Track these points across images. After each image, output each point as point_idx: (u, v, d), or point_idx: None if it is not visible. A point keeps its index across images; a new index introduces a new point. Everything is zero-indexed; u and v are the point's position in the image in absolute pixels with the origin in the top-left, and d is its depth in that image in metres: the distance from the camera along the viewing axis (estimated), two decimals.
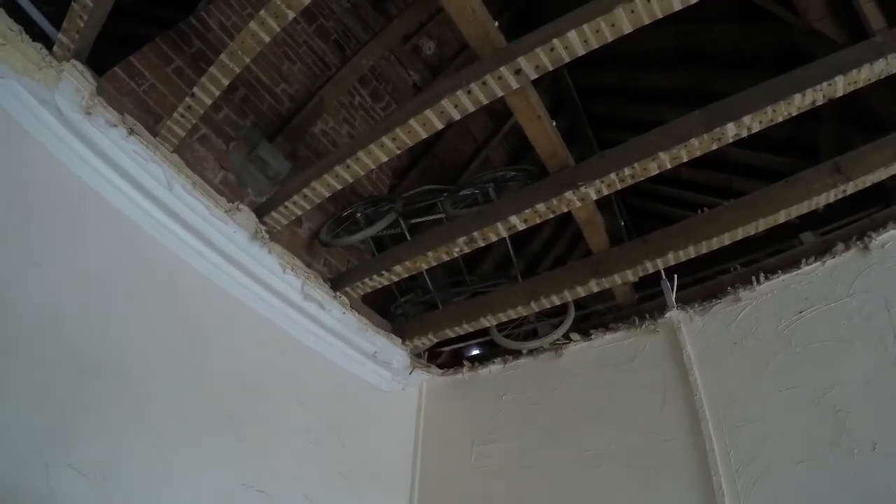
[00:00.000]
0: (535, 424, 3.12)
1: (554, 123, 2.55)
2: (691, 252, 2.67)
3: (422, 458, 3.45)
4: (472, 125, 5.84)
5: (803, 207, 2.41)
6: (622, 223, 4.52)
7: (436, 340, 3.56)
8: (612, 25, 1.95)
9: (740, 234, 2.54)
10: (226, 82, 2.51)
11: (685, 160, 2.33)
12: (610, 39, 2.01)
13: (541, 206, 2.59)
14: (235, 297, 2.86)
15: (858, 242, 2.53)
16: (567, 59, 2.10)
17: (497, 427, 3.26)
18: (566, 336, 3.27)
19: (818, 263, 2.61)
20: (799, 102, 2.07)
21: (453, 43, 5.71)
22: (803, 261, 2.65)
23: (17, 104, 2.28)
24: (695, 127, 2.24)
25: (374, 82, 5.01)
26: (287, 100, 4.20)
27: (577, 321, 3.36)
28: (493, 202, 3.12)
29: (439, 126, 2.43)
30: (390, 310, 4.06)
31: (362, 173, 2.70)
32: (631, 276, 2.84)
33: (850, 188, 2.34)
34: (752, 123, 2.14)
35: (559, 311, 3.34)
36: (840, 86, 2.01)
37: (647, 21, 1.93)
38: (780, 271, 2.70)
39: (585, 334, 3.22)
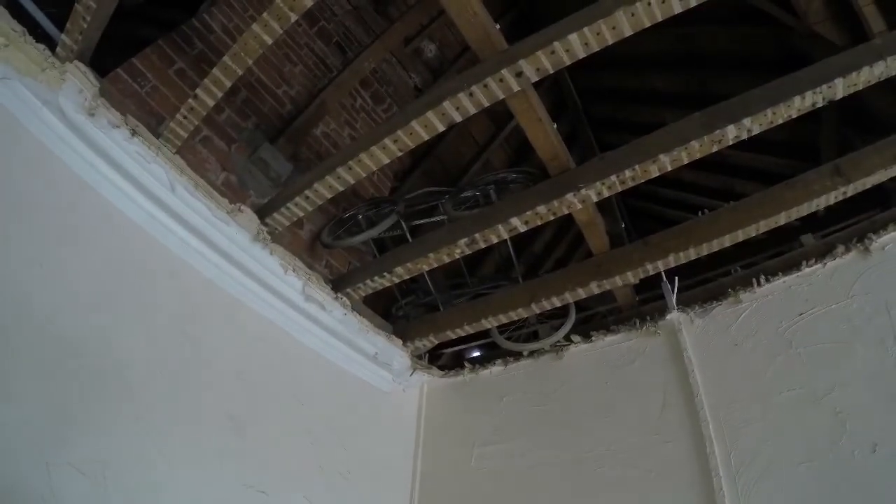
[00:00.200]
0: (535, 426, 3.12)
1: (555, 126, 2.56)
2: (692, 254, 2.67)
3: (422, 459, 3.45)
4: (473, 128, 5.86)
5: (803, 209, 2.41)
6: (623, 225, 4.51)
7: (437, 342, 3.56)
8: (613, 28, 1.96)
9: (741, 235, 2.55)
10: (228, 84, 2.52)
11: (685, 162, 2.34)
12: (611, 42, 2.02)
13: (541, 208, 2.60)
14: (237, 298, 2.87)
15: (859, 244, 2.53)
16: (568, 62, 2.11)
17: (498, 428, 3.26)
18: (567, 338, 3.27)
19: (819, 265, 2.61)
20: (799, 104, 2.07)
21: (454, 45, 5.72)
22: (804, 263, 2.65)
23: (20, 105, 2.28)
24: (695, 129, 2.25)
25: (375, 84, 5.02)
26: (289, 102, 4.21)
27: (577, 323, 3.37)
28: (495, 204, 3.12)
29: (441, 128, 2.44)
30: (391, 311, 4.07)
31: (364, 175, 2.71)
32: (631, 277, 2.84)
33: (851, 190, 2.34)
34: (753, 125, 2.15)
35: (560, 313, 3.35)
36: (840, 88, 2.02)
37: (647, 24, 1.94)
38: (780, 273, 2.70)
39: (586, 336, 3.22)
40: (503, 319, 3.23)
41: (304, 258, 3.25)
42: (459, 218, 3.20)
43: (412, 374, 3.60)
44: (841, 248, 2.57)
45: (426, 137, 2.49)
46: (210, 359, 2.61)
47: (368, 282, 3.20)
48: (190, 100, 2.60)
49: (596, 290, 2.94)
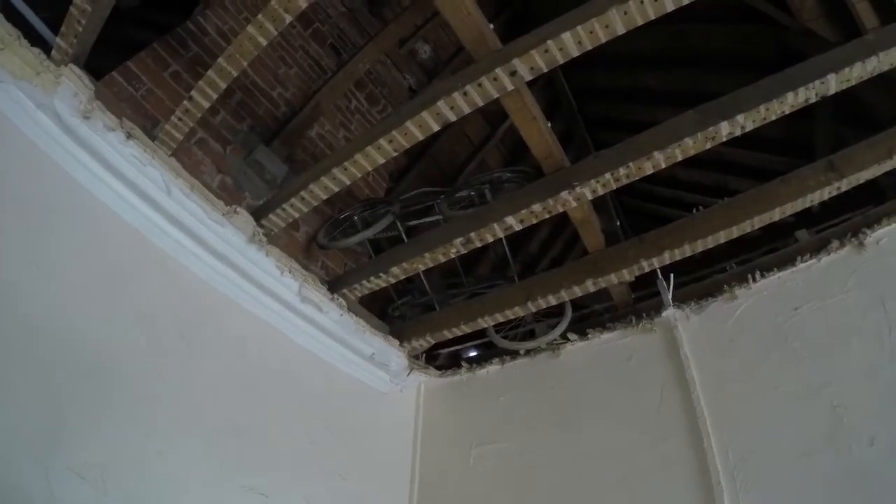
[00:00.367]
0: (533, 424, 3.12)
1: (549, 124, 2.56)
2: (687, 251, 2.67)
3: (421, 459, 3.45)
4: (468, 128, 5.87)
5: (798, 205, 2.42)
6: (618, 223, 4.54)
7: (433, 342, 3.56)
8: (606, 27, 1.97)
9: (735, 232, 2.55)
10: (223, 86, 2.52)
11: (679, 159, 2.34)
12: (604, 41, 2.02)
13: (537, 207, 2.60)
14: (233, 300, 2.87)
15: (853, 239, 2.55)
16: (561, 61, 2.11)
17: (496, 428, 3.26)
18: (564, 336, 3.27)
19: (813, 261, 2.63)
20: (792, 101, 2.08)
21: (449, 46, 5.74)
22: (798, 258, 2.66)
23: (15, 108, 2.28)
24: (689, 126, 2.25)
25: (370, 86, 5.03)
26: (283, 104, 4.22)
27: (574, 321, 3.38)
28: (490, 203, 3.13)
29: (435, 127, 2.44)
30: (388, 312, 4.07)
31: (359, 175, 2.71)
32: (627, 275, 2.85)
33: (844, 185, 2.35)
34: (746, 122, 2.16)
35: (556, 312, 3.35)
36: (833, 84, 2.02)
37: (640, 22, 1.94)
38: (775, 269, 2.72)
39: (583, 334, 3.23)
40: (499, 318, 3.22)
41: (300, 259, 3.25)
42: (455, 217, 3.21)
43: (409, 374, 3.59)
44: (835, 244, 2.59)
45: (421, 137, 2.49)
46: (207, 361, 2.61)
47: (364, 282, 3.20)
48: (185, 102, 2.59)
49: (592, 288, 2.94)
